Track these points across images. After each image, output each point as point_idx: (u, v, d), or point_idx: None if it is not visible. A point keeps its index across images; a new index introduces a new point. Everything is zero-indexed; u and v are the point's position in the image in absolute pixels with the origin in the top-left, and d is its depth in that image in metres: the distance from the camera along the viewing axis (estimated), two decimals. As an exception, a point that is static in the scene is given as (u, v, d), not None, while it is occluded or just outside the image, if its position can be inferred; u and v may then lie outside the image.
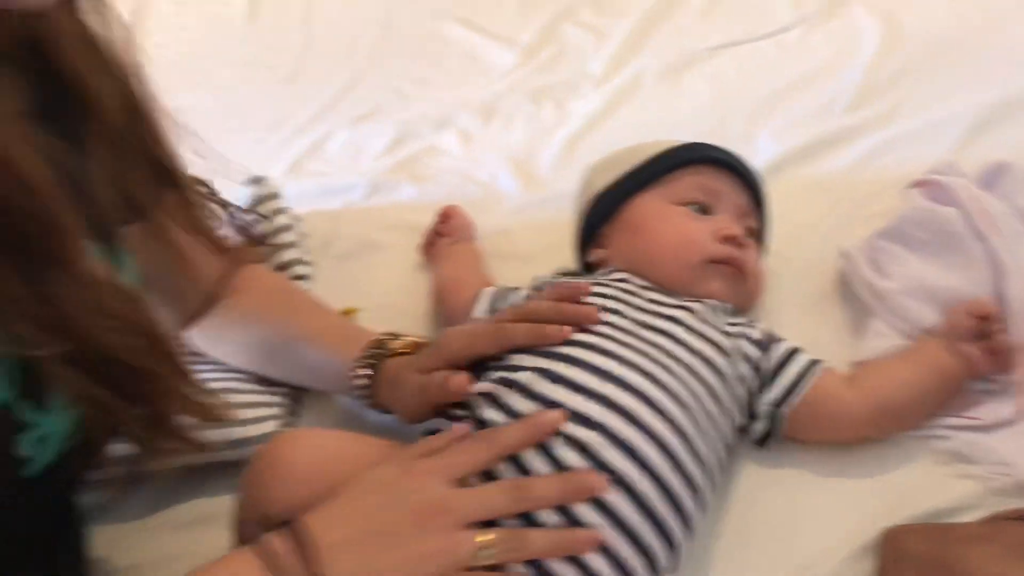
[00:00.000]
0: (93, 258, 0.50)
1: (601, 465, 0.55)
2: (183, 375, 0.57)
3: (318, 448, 0.60)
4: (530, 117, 1.10)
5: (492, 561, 0.53)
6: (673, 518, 0.56)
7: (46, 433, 0.51)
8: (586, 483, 0.55)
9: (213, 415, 0.59)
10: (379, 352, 0.70)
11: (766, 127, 0.99)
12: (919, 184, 0.79)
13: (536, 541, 0.54)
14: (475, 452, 0.56)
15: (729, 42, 1.13)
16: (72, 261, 0.47)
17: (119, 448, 0.59)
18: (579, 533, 0.54)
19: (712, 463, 0.60)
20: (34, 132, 0.45)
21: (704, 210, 0.74)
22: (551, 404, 0.57)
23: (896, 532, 0.60)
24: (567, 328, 0.62)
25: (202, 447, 0.60)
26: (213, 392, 0.60)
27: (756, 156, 0.93)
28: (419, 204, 0.96)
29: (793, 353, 0.67)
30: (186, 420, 0.58)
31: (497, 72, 1.20)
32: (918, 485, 0.63)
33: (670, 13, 1.21)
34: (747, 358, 0.66)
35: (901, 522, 0.61)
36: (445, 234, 0.90)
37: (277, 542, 0.52)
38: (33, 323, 0.44)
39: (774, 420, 0.66)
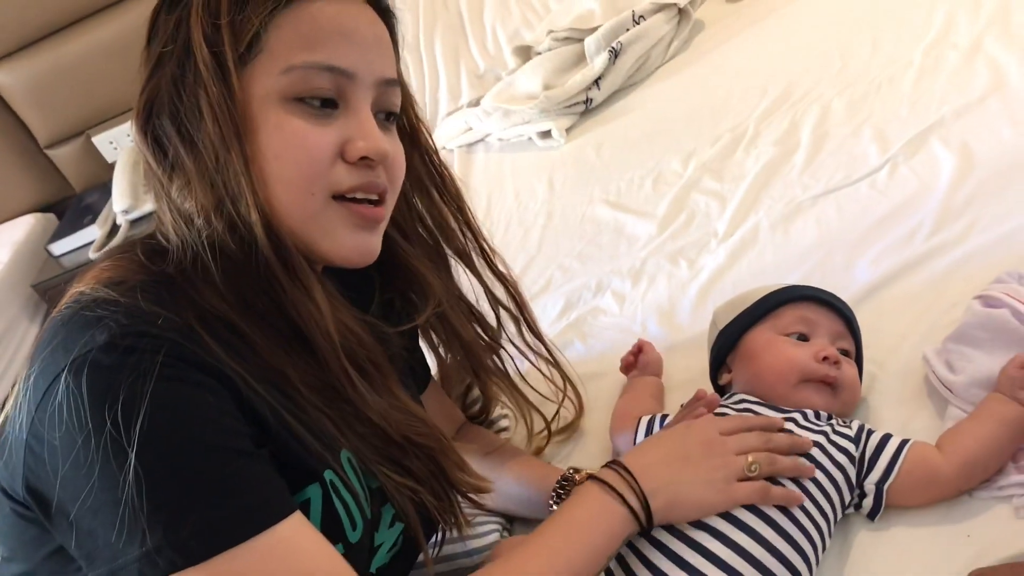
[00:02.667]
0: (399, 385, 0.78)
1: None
2: (456, 454, 0.82)
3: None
4: (669, 275, 1.29)
5: (757, 473, 0.78)
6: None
7: (380, 543, 0.79)
8: (804, 446, 0.82)
9: (480, 487, 0.82)
10: (567, 485, 0.95)
11: (863, 257, 1.13)
12: (979, 297, 0.92)
13: (783, 463, 0.80)
14: (748, 427, 0.83)
15: (829, 189, 1.28)
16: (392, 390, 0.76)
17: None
18: (807, 465, 0.81)
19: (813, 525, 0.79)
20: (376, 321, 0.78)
21: (804, 337, 0.93)
22: None
23: (982, 572, 0.74)
24: None
25: (471, 524, 0.85)
26: (474, 471, 0.84)
27: (855, 282, 1.10)
28: (587, 358, 1.20)
29: (886, 438, 0.84)
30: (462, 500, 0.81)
31: (641, 242, 1.40)
32: (1001, 534, 0.76)
33: (778, 171, 1.37)
34: (844, 450, 0.84)
35: (987, 564, 0.75)
36: (634, 365, 1.11)
37: (607, 472, 0.78)
38: (371, 438, 0.72)
39: (879, 495, 0.82)
